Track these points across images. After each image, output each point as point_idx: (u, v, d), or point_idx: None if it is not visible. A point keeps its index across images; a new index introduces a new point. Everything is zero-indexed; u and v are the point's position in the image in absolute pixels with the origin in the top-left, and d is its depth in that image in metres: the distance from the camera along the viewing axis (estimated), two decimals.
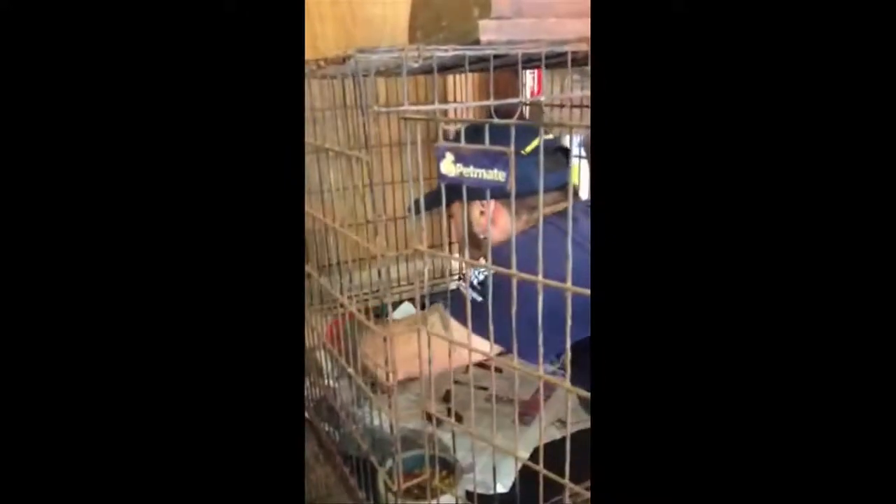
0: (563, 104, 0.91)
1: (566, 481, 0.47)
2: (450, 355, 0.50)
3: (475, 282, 0.68)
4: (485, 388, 0.90)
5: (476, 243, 0.86)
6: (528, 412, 0.85)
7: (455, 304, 0.68)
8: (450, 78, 1.16)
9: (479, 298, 0.68)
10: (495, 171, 0.44)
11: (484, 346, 0.54)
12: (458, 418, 0.82)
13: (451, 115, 0.95)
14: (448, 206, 0.48)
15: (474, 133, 0.45)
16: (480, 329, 0.53)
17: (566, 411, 0.44)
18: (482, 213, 0.83)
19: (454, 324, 0.69)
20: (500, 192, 0.43)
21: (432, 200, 0.49)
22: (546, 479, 0.47)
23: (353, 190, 0.55)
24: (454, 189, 0.46)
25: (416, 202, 0.50)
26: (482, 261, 0.73)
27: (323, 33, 1.13)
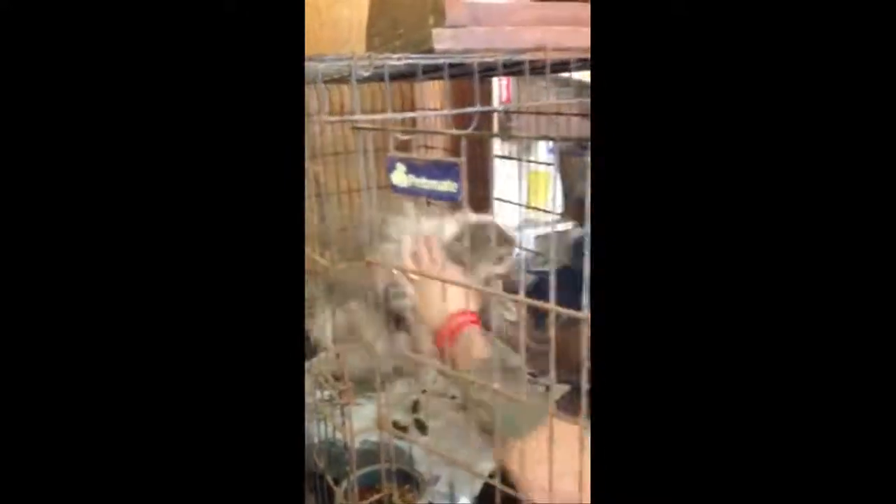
0: (530, 112, 0.91)
1: (522, 496, 0.46)
2: None
3: None
4: (454, 398, 0.89)
5: None
6: None
7: None
8: (419, 84, 1.15)
9: None
10: (448, 181, 0.43)
11: None
12: (426, 429, 0.81)
13: (419, 124, 0.94)
14: None
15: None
16: None
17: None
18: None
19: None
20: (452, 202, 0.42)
21: None
22: (512, 487, 0.46)
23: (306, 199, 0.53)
24: None
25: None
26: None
27: None
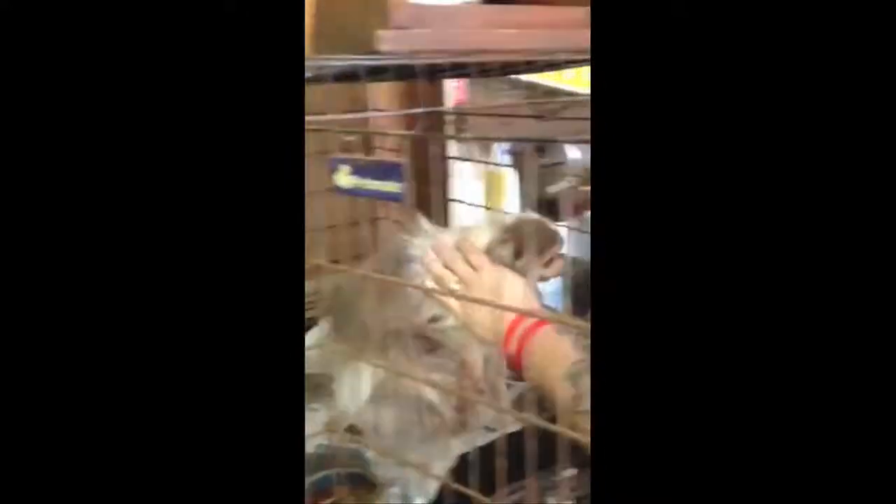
0: (480, 113, 0.91)
1: (476, 494, 0.47)
2: None
3: None
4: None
5: None
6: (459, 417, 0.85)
7: None
8: (375, 86, 1.14)
9: None
10: (391, 182, 0.44)
11: None
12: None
13: (371, 125, 0.94)
14: None
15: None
16: None
17: (493, 418, 0.44)
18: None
19: None
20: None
21: None
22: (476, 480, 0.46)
23: None
24: None
25: None
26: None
27: None
